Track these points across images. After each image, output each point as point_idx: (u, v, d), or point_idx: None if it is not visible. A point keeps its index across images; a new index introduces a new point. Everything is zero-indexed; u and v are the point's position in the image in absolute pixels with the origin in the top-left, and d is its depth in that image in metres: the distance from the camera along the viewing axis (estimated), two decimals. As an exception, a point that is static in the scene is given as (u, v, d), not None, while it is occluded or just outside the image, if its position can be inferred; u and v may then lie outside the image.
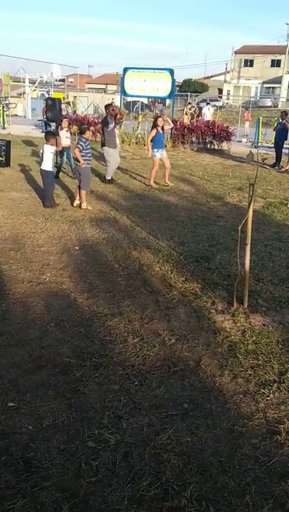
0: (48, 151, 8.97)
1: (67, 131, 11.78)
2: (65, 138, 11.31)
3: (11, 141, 13.78)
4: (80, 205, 8.97)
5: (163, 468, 2.85)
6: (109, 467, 2.84)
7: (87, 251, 6.60)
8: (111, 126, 11.14)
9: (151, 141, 11.33)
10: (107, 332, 4.40)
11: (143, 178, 12.23)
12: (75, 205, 9.05)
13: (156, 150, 11.35)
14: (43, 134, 12.50)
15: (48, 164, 9.00)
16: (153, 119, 11.95)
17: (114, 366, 3.86)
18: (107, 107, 11.91)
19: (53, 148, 9.06)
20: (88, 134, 9.18)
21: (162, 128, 11.39)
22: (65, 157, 11.81)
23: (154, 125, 11.32)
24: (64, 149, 11.24)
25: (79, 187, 9.02)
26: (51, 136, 9.24)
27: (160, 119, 11.53)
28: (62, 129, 11.61)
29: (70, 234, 7.33)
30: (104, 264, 6.13)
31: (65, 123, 11.81)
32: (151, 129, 11.42)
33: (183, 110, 25.78)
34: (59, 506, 2.57)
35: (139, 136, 20.32)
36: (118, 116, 11.36)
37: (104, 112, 12.58)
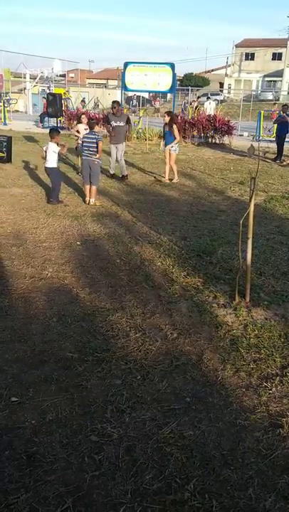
0: (52, 150, 8.87)
1: (86, 129, 11.71)
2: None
3: (12, 137, 13.75)
4: (89, 201, 8.97)
5: (166, 461, 2.86)
6: (112, 461, 2.85)
7: (89, 246, 6.60)
8: (114, 123, 11.13)
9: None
10: (109, 327, 4.41)
11: (144, 173, 12.21)
12: (88, 202, 8.99)
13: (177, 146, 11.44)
14: (45, 129, 12.53)
15: (51, 161, 8.92)
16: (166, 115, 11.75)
17: (116, 361, 3.86)
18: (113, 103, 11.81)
19: (57, 147, 8.93)
20: (97, 129, 9.28)
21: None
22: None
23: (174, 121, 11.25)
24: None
25: (90, 183, 8.98)
26: (56, 133, 9.13)
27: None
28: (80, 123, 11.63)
29: (71, 229, 7.33)
30: (105, 259, 6.13)
31: (84, 119, 11.68)
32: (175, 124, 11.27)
33: (191, 104, 25.66)
34: (62, 500, 2.58)
35: (140, 130, 20.26)
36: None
37: (103, 106, 12.57)
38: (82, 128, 11.17)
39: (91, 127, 9.20)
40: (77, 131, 11.41)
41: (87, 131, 11.37)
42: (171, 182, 11.34)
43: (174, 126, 11.24)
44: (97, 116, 20.18)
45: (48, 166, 8.95)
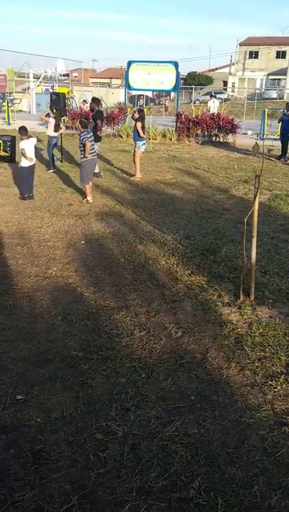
0: (32, 147, 9.09)
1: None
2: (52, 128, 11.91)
3: (16, 136, 13.76)
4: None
5: (171, 459, 2.86)
6: (117, 459, 2.86)
7: (93, 245, 6.60)
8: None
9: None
10: (113, 325, 4.41)
11: (147, 172, 12.20)
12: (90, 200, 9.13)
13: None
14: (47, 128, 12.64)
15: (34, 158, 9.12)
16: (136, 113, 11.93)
17: (121, 359, 3.87)
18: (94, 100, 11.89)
19: (34, 141, 9.27)
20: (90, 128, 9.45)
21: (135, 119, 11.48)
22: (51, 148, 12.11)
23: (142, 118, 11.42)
24: (54, 139, 11.94)
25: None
26: (27, 130, 9.27)
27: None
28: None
29: (75, 228, 7.34)
30: (110, 258, 6.13)
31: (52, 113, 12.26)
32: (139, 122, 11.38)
33: (206, 104, 25.55)
34: (68, 498, 2.59)
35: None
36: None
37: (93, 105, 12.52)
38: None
39: (85, 126, 9.17)
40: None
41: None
42: (131, 179, 11.37)
43: (138, 124, 11.27)
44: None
45: (33, 162, 9.12)
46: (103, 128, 11.47)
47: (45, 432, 3.06)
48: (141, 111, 11.91)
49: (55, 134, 11.99)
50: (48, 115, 12.85)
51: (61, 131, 12.29)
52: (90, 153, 8.80)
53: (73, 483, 2.68)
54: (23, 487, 2.65)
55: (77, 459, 2.85)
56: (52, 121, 12.09)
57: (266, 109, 21.32)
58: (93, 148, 8.99)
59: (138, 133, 11.26)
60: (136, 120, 11.31)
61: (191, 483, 2.69)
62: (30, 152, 9.02)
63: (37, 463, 2.81)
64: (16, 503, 2.54)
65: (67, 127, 20.28)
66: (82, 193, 9.57)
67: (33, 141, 9.21)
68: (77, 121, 20.09)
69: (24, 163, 9.08)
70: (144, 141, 11.50)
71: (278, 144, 16.24)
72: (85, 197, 9.07)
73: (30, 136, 9.34)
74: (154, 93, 43.94)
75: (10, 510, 2.50)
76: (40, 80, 33.72)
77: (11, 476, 2.72)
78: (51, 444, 2.95)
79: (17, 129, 9.89)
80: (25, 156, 8.98)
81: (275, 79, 59.05)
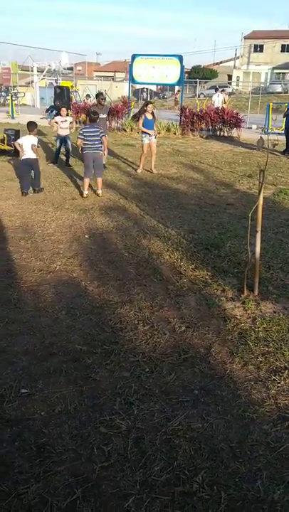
0: (32, 143, 9.07)
1: (62, 121, 11.80)
2: (63, 126, 11.73)
3: (20, 130, 13.75)
4: (98, 193, 9.09)
5: (174, 453, 2.87)
6: (121, 452, 2.87)
7: (97, 239, 6.61)
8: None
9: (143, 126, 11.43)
10: (117, 320, 4.42)
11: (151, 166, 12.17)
12: (91, 194, 9.07)
13: (143, 135, 11.46)
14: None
15: (32, 153, 9.10)
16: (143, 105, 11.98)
17: (125, 353, 3.88)
18: (97, 96, 12.07)
19: (37, 142, 9.21)
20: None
21: (152, 114, 11.42)
22: (69, 145, 11.99)
23: (143, 111, 11.40)
24: (66, 137, 11.80)
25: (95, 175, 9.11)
26: (35, 126, 9.35)
27: (150, 105, 11.61)
28: (58, 115, 12.01)
29: (79, 222, 7.34)
30: (114, 252, 6.14)
31: (63, 111, 11.98)
32: (140, 115, 11.47)
33: (211, 98, 25.44)
34: (72, 490, 2.60)
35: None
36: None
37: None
38: (60, 120, 11.66)
39: (93, 120, 9.17)
40: (56, 122, 11.73)
41: (64, 122, 11.66)
42: (152, 172, 11.49)
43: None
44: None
45: (32, 157, 9.11)
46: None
47: (50, 426, 3.07)
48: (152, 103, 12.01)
49: (67, 132, 11.95)
50: (50, 111, 12.78)
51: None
52: (83, 147, 8.87)
53: (77, 476, 2.69)
54: (28, 480, 2.67)
55: (81, 453, 2.87)
56: (68, 118, 12.02)
57: (271, 104, 21.19)
58: (93, 142, 8.91)
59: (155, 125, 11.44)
60: (152, 114, 11.37)
61: (194, 477, 2.70)
62: (25, 146, 9.03)
63: (41, 456, 2.83)
64: (21, 496, 2.56)
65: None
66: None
67: (32, 139, 9.14)
68: (80, 115, 20.09)
69: (22, 157, 9.18)
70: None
71: (283, 138, 16.18)
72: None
73: (35, 135, 9.33)
74: (158, 87, 43.75)
75: (14, 503, 2.52)
76: (44, 73, 33.63)
77: (15, 468, 2.74)
78: (55, 438, 2.97)
79: (21, 122, 9.91)
80: (19, 149, 9.13)
81: (280, 73, 58.72)
